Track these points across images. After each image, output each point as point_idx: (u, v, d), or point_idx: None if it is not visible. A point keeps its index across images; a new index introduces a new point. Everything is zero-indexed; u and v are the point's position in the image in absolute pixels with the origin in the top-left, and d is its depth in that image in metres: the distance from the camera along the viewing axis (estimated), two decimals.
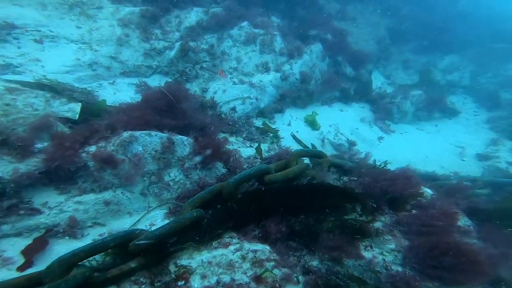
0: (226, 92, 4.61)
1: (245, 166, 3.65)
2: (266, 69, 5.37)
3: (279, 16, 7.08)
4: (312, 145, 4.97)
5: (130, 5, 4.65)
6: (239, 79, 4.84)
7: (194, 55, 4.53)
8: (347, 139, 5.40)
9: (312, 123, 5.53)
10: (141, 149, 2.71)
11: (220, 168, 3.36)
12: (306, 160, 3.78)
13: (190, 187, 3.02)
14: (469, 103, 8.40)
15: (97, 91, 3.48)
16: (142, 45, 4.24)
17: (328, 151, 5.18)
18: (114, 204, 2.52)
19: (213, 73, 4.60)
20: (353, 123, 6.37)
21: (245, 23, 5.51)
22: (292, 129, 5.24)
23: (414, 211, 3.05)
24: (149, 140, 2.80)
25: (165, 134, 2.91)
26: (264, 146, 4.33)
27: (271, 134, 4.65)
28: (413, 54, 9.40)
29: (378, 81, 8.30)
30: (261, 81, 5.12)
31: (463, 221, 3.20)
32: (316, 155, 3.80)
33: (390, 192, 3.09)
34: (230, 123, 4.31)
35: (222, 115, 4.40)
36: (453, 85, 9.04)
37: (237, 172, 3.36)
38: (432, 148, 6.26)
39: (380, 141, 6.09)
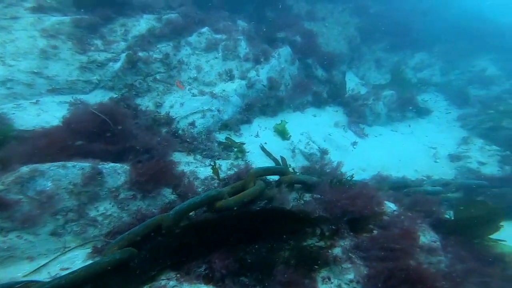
0: (184, 106, 4.07)
1: (200, 190, 3.17)
2: (230, 77, 4.87)
3: (246, 19, 6.56)
4: (282, 158, 4.54)
5: (59, 14, 3.98)
6: (199, 90, 4.31)
7: (145, 67, 3.95)
8: (319, 147, 5.00)
9: (282, 133, 5.09)
10: (50, 184, 2.19)
11: (167, 195, 2.86)
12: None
13: (127, 220, 2.55)
14: (440, 101, 8.24)
15: (13, 113, 2.89)
16: (77, 58, 3.62)
17: (300, 162, 4.76)
18: (3, 251, 2.04)
19: (169, 85, 4.05)
20: (327, 129, 5.99)
21: (205, 29, 4.95)
22: (261, 141, 4.77)
23: (376, 232, 2.73)
24: (64, 173, 2.29)
25: (87, 164, 2.41)
26: (226, 164, 3.86)
27: (236, 149, 4.18)
28: (385, 53, 9.17)
29: (352, 82, 7.99)
30: (224, 90, 4.61)
31: (428, 237, 2.89)
32: (278, 172, 3.36)
33: (350, 212, 2.73)
34: (188, 140, 3.78)
35: (180, 132, 3.87)
36: (424, 83, 8.89)
37: (189, 197, 2.90)
38: (406, 150, 5.99)
39: (354, 146, 5.76)
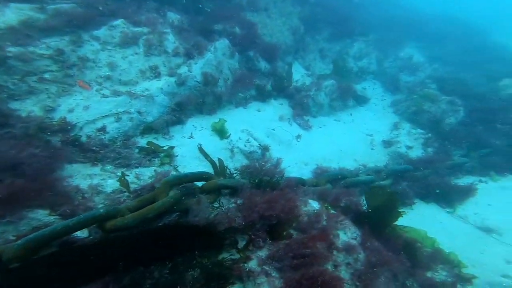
0: (89, 109, 3.29)
1: (101, 205, 2.60)
2: (156, 74, 4.16)
3: (181, 11, 5.75)
4: (219, 159, 4.11)
5: None
6: (113, 90, 3.55)
7: (22, 64, 3.09)
8: (259, 144, 4.69)
9: (220, 132, 4.63)
10: None
11: (41, 217, 2.24)
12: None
13: None
14: (377, 88, 8.55)
15: None
16: None
17: (239, 161, 4.40)
18: None
19: (66, 86, 3.22)
20: (271, 123, 5.68)
21: (119, 21, 4.06)
22: (195, 142, 4.23)
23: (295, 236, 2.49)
24: None
25: None
26: (150, 172, 3.30)
27: (162, 154, 3.62)
28: (328, 43, 9.13)
29: (298, 74, 7.78)
30: (147, 89, 3.90)
31: (349, 234, 2.75)
32: (198, 178, 2.92)
33: (267, 217, 2.45)
34: (94, 148, 3.11)
35: (83, 139, 3.15)
36: (364, 72, 9.18)
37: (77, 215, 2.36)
38: (347, 140, 5.99)
39: (298, 140, 5.58)
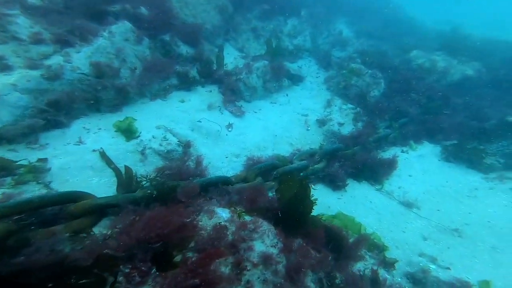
0: None
1: None
2: (0, 67, 2.92)
3: None
4: (126, 167, 3.18)
5: None
6: None
7: None
8: (179, 141, 3.88)
9: (127, 131, 3.61)
10: None
11: None
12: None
13: None
14: (313, 65, 8.20)
15: None
16: None
17: (154, 164, 3.55)
18: None
19: None
20: (198, 114, 4.83)
21: None
22: (87, 148, 3.24)
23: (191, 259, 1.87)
24: None
25: None
26: None
27: (22, 170, 2.58)
28: (260, 21, 8.30)
29: (230, 56, 6.87)
30: None
31: (268, 241, 2.23)
32: (57, 201, 2.03)
33: (150, 241, 1.82)
34: None
35: None
36: (299, 50, 8.73)
37: None
38: (283, 123, 5.49)
39: (229, 129, 4.90)
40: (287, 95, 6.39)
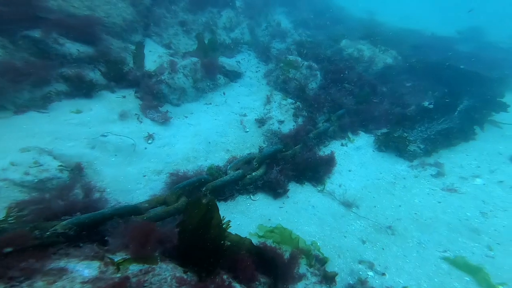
0: None
1: None
2: None
3: None
4: None
5: None
6: None
7: None
8: (61, 165, 2.78)
9: None
10: None
11: None
12: None
13: None
14: (252, 59, 7.47)
15: None
16: None
17: (10, 199, 2.44)
18: None
19: None
20: (104, 127, 3.68)
21: None
22: None
23: None
24: None
25: None
26: None
27: None
28: (191, 14, 7.11)
29: (154, 54, 5.63)
30: None
31: None
32: None
33: None
34: None
35: None
36: (238, 43, 7.88)
37: None
38: (218, 126, 4.75)
39: (150, 141, 3.92)
40: (224, 93, 5.58)
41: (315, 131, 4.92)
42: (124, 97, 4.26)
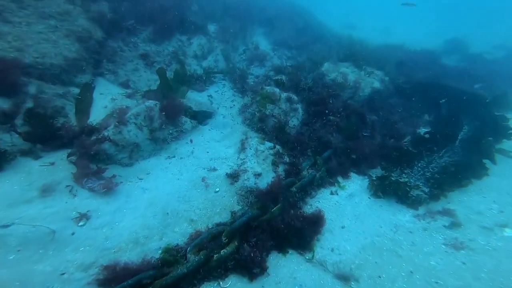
0: None
1: None
2: None
3: None
4: None
5: None
6: None
7: None
8: None
9: None
10: None
11: None
12: None
13: None
14: (227, 91, 6.69)
15: None
16: None
17: None
18: None
19: None
20: (8, 212, 2.68)
21: None
22: None
23: None
24: None
25: None
26: None
27: None
28: (154, 45, 6.31)
29: (105, 98, 4.59)
30: None
31: None
32: None
33: None
34: None
35: None
36: (211, 73, 7.10)
37: None
38: (181, 188, 3.80)
39: (82, 223, 2.95)
40: (191, 141, 4.68)
41: (298, 184, 4.06)
42: (52, 163, 3.32)
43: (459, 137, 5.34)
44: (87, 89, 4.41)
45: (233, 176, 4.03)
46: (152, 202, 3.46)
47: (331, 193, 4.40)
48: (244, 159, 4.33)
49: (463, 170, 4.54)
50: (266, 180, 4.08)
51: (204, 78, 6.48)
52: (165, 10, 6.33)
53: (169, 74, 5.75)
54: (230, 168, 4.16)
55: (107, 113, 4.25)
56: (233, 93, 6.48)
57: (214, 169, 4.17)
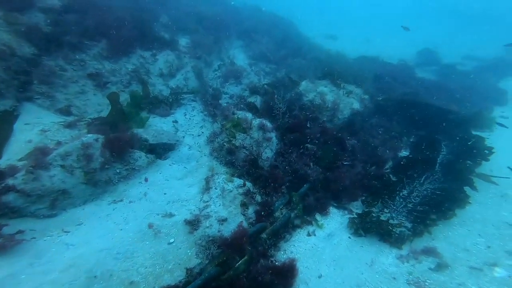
0: None
1: None
2: None
3: None
4: None
5: None
6: None
7: None
8: None
9: None
10: None
11: None
12: None
13: None
14: (197, 115, 6.08)
15: None
16: None
17: None
18: None
19: None
20: None
21: None
22: None
23: None
24: None
25: None
26: None
27: None
28: (108, 62, 5.43)
29: (34, 129, 3.78)
30: None
31: None
32: None
33: None
34: None
35: None
36: (179, 93, 6.30)
37: None
38: (123, 240, 3.15)
39: None
40: (145, 180, 4.07)
41: (269, 229, 3.59)
42: None
43: (438, 161, 5.19)
44: (4, 119, 3.69)
45: (193, 223, 3.48)
46: (75, 262, 2.80)
47: (308, 234, 3.97)
48: (207, 201, 3.79)
49: (446, 200, 4.31)
50: (232, 226, 3.56)
51: (171, 100, 5.93)
52: (123, 22, 5.74)
53: (127, 97, 5.14)
54: (190, 213, 3.61)
55: (33, 147, 3.55)
56: (203, 117, 5.95)
57: (171, 215, 3.59)
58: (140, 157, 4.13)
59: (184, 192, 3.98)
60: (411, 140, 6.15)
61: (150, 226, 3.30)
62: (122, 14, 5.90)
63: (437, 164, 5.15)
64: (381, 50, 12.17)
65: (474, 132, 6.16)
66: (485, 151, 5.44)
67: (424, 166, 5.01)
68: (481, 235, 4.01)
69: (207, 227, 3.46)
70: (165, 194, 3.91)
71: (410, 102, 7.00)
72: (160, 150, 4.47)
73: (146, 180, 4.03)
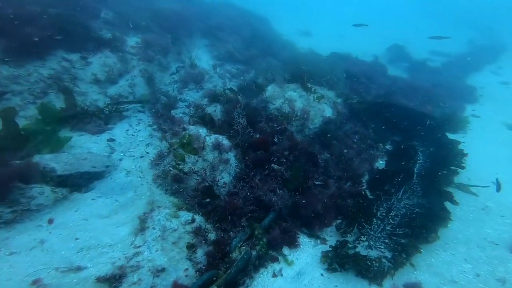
0: None
1: None
2: None
3: None
4: None
5: None
6: None
7: None
8: None
9: None
10: None
11: None
12: None
13: None
14: (142, 129, 5.10)
15: None
16: None
17: None
18: None
19: None
20: None
21: None
22: None
23: None
24: None
25: None
26: None
27: None
28: (7, 67, 4.50)
29: None
30: None
31: None
32: None
33: None
34: None
35: None
36: (122, 102, 5.33)
37: None
38: None
39: None
40: (49, 222, 3.10)
41: (222, 279, 2.87)
42: None
43: (415, 171, 4.86)
44: None
45: (112, 280, 2.65)
46: None
47: (274, 275, 3.34)
48: (140, 246, 2.99)
49: (426, 220, 3.93)
50: (173, 276, 2.84)
51: (107, 112, 4.94)
52: (37, 18, 4.64)
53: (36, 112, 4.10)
54: (111, 265, 2.77)
55: None
56: (150, 132, 5.05)
57: (78, 269, 2.72)
58: (42, 193, 3.20)
59: (108, 234, 3.12)
60: (387, 147, 5.81)
61: (34, 283, 2.41)
62: (37, 8, 4.79)
63: (415, 175, 4.81)
64: (353, 47, 12.00)
65: (449, 135, 6.00)
66: (460, 156, 5.25)
67: (401, 178, 4.64)
68: (467, 260, 3.66)
69: (134, 283, 2.66)
70: (77, 239, 3.02)
71: (385, 104, 6.73)
72: (79, 181, 3.55)
73: (49, 222, 3.11)
